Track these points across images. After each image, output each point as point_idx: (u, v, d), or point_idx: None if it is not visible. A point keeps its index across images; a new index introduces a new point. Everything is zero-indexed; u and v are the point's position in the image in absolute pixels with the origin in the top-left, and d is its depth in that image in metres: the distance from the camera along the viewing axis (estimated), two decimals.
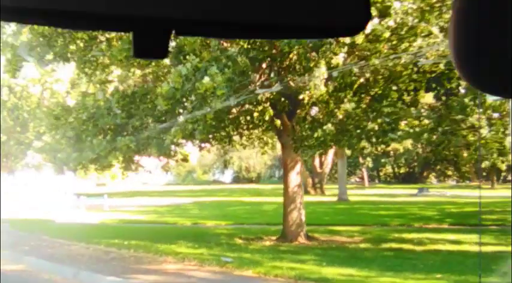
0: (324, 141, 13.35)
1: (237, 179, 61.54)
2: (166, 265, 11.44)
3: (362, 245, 14.22)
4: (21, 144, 40.70)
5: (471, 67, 0.81)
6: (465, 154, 26.76)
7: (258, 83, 12.86)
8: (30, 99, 38.95)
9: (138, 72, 14.82)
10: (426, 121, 16.18)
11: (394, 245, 13.92)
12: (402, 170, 52.65)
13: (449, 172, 51.01)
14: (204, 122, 12.45)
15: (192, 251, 12.84)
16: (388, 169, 51.74)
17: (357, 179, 56.45)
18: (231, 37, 0.94)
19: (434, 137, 17.53)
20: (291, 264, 10.94)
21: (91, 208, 27.77)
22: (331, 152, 39.73)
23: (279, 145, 32.26)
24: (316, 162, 39.84)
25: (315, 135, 13.12)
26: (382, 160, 47.76)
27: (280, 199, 33.64)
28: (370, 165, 48.31)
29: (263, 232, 16.59)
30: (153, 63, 14.21)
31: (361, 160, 46.97)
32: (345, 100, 12.82)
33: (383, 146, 19.17)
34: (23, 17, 0.77)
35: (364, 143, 15.33)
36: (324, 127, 12.87)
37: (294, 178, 15.02)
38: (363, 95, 13.50)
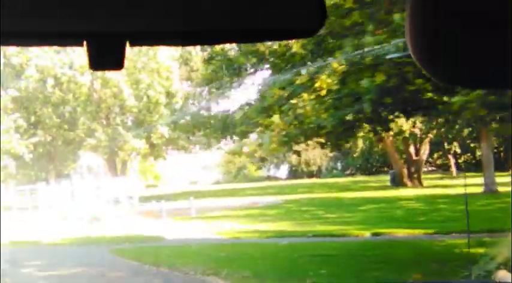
0: None
1: (293, 174, 56.07)
2: None
3: None
4: (70, 143, 35.38)
5: (430, 58, 0.79)
6: None
7: None
8: (80, 91, 33.55)
9: None
10: None
11: None
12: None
13: None
14: None
15: None
16: (470, 155, 45.88)
17: (429, 168, 50.85)
18: (188, 44, 0.89)
19: None
20: None
21: (173, 214, 22.41)
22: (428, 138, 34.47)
23: None
24: (411, 149, 34.40)
25: None
26: (472, 144, 42.02)
27: (388, 193, 28.54)
28: (458, 150, 42.66)
29: None
30: None
31: (446, 145, 41.47)
32: None
33: None
34: None
35: None
36: None
37: None
38: None
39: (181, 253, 12.85)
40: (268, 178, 56.97)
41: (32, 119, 34.32)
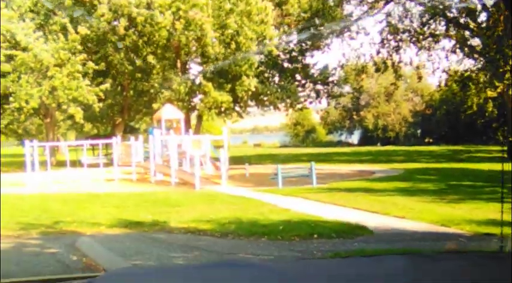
0: None
1: (366, 140, 51.53)
2: None
3: None
4: (143, 94, 31.45)
5: None
6: None
7: None
8: (158, 34, 29.31)
9: None
10: None
11: None
12: None
13: None
14: None
15: None
16: None
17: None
18: None
19: None
20: None
21: (289, 183, 18.27)
22: None
23: None
24: None
25: None
26: None
27: None
28: None
29: None
30: None
31: None
32: None
33: None
34: None
35: None
36: None
37: None
38: None
39: None
40: (340, 143, 52.58)
41: (102, 64, 30.27)
